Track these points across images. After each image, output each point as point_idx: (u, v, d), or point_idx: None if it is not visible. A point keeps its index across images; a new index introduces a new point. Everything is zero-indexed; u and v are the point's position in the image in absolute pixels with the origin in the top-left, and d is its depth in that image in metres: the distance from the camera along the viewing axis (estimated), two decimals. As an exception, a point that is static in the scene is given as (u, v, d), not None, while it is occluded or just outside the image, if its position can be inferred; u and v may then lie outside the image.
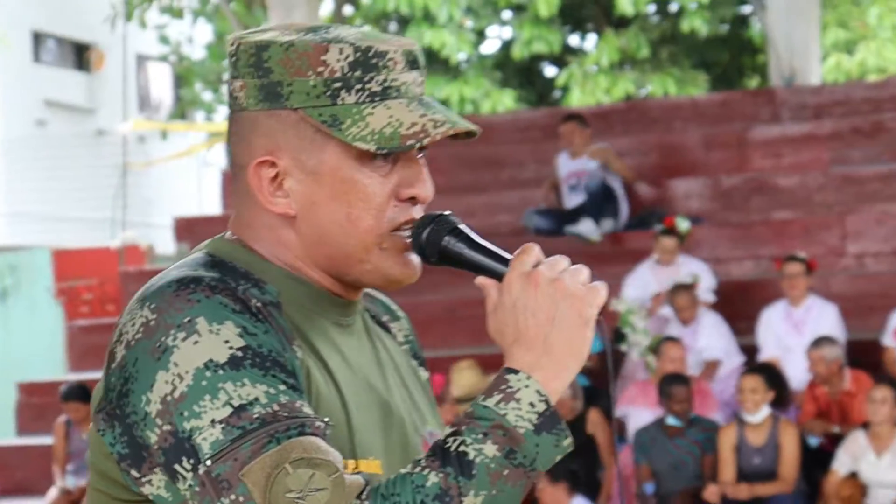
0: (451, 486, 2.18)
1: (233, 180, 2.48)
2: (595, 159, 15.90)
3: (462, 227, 2.41)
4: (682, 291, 13.92)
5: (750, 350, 13.85)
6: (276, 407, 2.20)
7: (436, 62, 28.14)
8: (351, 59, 2.36)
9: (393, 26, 29.17)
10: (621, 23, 28.72)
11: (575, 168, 16.05)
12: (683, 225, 15.12)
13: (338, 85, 2.35)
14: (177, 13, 26.82)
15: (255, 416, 2.19)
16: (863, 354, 13.24)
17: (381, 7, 26.33)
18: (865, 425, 12.11)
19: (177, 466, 2.21)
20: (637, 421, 12.72)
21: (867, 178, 16.34)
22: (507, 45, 29.04)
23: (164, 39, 27.89)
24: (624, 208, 16.15)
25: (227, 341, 2.22)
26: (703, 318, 13.96)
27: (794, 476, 12.19)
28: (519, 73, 29.95)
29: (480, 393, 2.27)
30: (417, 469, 2.20)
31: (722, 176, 16.97)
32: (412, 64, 2.41)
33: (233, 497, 2.16)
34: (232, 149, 2.46)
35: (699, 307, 13.96)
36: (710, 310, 14.14)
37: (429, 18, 26.57)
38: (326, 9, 26.41)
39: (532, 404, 2.24)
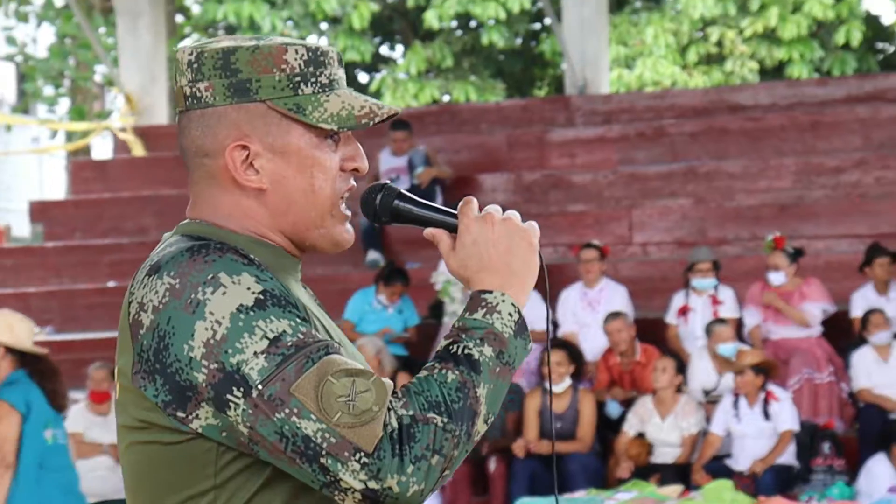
0: (467, 380, 2.41)
1: (190, 170, 2.64)
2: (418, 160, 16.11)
3: (405, 191, 2.63)
4: None
5: (552, 325, 14.01)
6: (301, 335, 2.40)
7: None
8: (305, 57, 2.58)
9: (221, 35, 28.97)
10: (427, 35, 28.74)
11: (395, 164, 16.24)
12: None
13: (298, 79, 2.57)
14: (22, 17, 26.64)
15: (290, 343, 2.38)
16: (649, 330, 13.45)
17: (211, 16, 26.21)
18: (653, 392, 12.47)
19: (228, 396, 2.38)
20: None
21: (650, 177, 16.59)
22: (323, 54, 28.99)
23: (11, 41, 27.56)
24: (439, 200, 16.36)
25: (248, 288, 2.41)
26: None
27: (591, 437, 12.44)
28: (336, 80, 29.91)
29: (465, 310, 2.51)
30: (436, 370, 2.42)
31: (524, 172, 17.13)
32: (341, 62, 2.65)
33: (287, 411, 2.35)
34: (190, 142, 2.61)
35: None
36: None
37: (254, 28, 26.48)
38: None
39: (510, 314, 2.50)
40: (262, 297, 2.41)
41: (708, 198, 16.16)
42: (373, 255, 15.79)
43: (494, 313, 2.49)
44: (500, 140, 17.76)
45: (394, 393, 2.40)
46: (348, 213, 2.65)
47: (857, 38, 26.79)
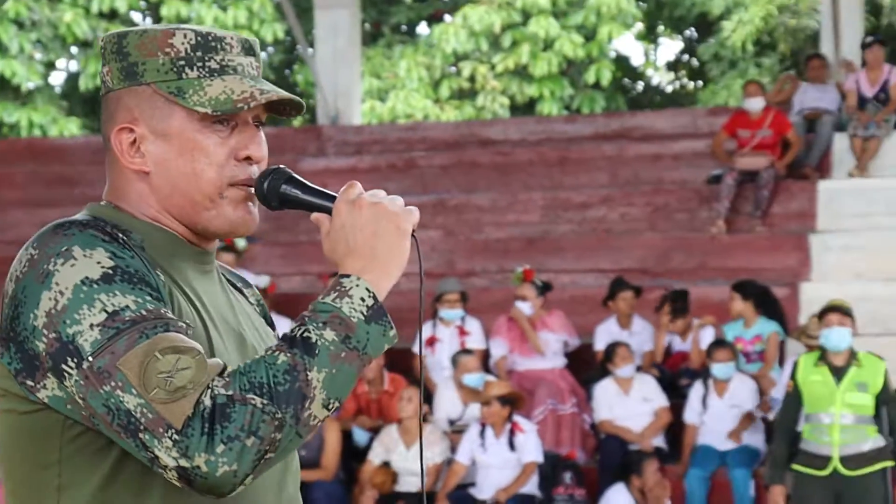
0: (298, 363, 2.33)
1: (105, 154, 2.64)
2: None
3: (295, 176, 2.58)
4: None
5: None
6: (144, 312, 2.35)
7: (7, 89, 27.64)
8: (193, 42, 2.55)
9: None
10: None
11: None
12: (241, 243, 15.22)
13: (182, 63, 2.54)
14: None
15: (127, 318, 2.34)
16: (398, 360, 13.40)
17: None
18: (399, 421, 12.45)
19: (63, 366, 2.35)
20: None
21: (401, 208, 16.67)
22: (74, 77, 28.65)
23: None
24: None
25: (98, 262, 2.38)
26: None
27: (335, 465, 12.40)
28: (85, 102, 29.58)
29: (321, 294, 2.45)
30: (269, 352, 2.36)
31: (274, 201, 17.11)
32: (248, 51, 2.60)
33: (112, 384, 2.31)
34: (101, 125, 2.63)
35: None
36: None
37: (1, 48, 26.11)
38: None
39: (363, 299, 2.41)
40: (110, 272, 2.38)
41: (457, 230, 16.25)
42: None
43: (345, 297, 2.41)
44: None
45: (221, 373, 2.34)
46: (249, 193, 2.58)
47: (606, 77, 27.30)
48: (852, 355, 10.34)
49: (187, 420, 2.29)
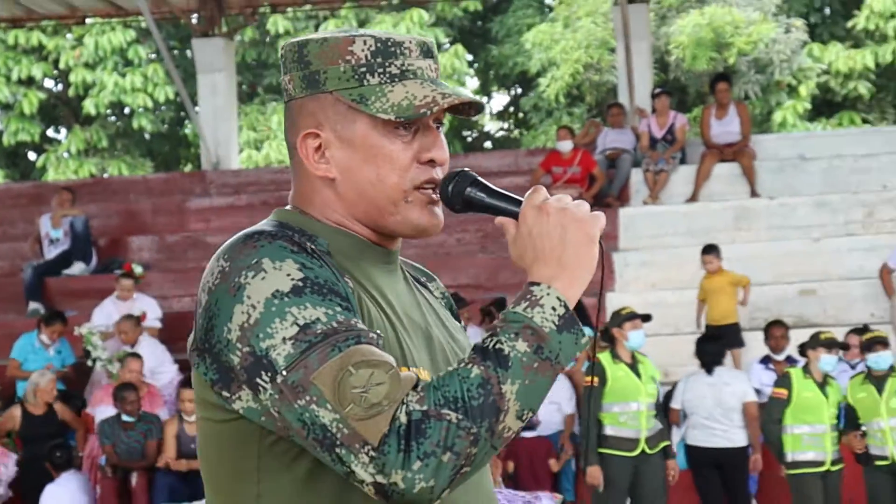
0: (492, 376, 2.05)
1: (291, 160, 2.35)
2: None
3: (480, 179, 2.29)
4: (126, 321, 13.67)
5: (187, 364, 13.90)
6: (335, 324, 2.08)
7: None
8: (373, 48, 2.27)
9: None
10: (86, 120, 28.36)
11: (49, 229, 16.06)
12: (138, 270, 15.09)
13: (363, 69, 2.26)
14: None
15: (319, 331, 2.07)
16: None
17: None
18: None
19: (258, 380, 2.09)
20: (102, 415, 12.56)
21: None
22: (-2, 134, 28.28)
23: None
24: (93, 256, 16.15)
25: (288, 275, 2.11)
26: (143, 340, 13.74)
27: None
28: (6, 156, 29.18)
29: (512, 303, 2.15)
30: (462, 365, 2.07)
31: (166, 235, 16.99)
32: (426, 53, 2.31)
33: (307, 398, 2.05)
34: (285, 133, 2.34)
35: (141, 332, 13.69)
36: (149, 335, 13.94)
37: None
38: None
39: (554, 308, 2.11)
40: (300, 283, 2.10)
41: (321, 255, 16.24)
42: (34, 306, 15.40)
43: (536, 307, 2.10)
44: (146, 207, 17.60)
45: (415, 387, 2.07)
46: (433, 197, 2.29)
47: (445, 125, 27.28)
48: (634, 354, 10.41)
49: (383, 437, 2.01)
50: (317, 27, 27.75)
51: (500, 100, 31.57)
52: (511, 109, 31.31)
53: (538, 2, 28.47)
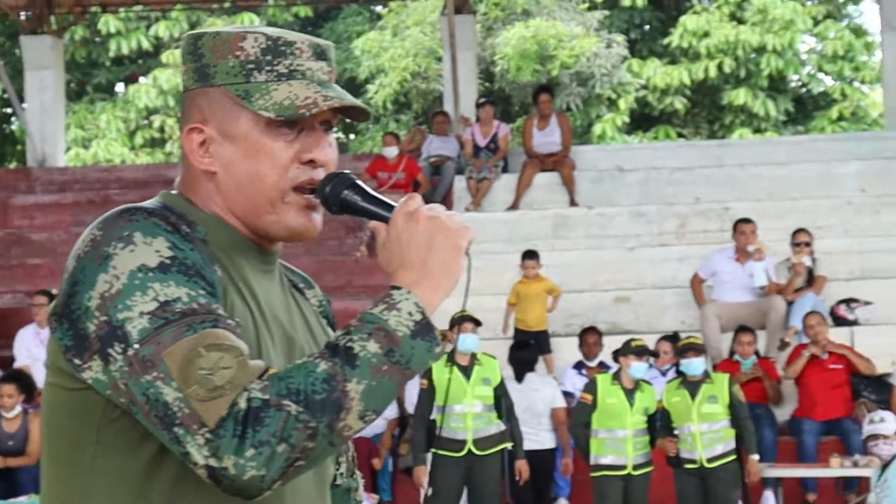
0: (338, 373, 1.99)
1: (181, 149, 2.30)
2: None
3: (358, 182, 2.23)
4: None
5: (8, 360, 13.60)
6: (195, 305, 2.02)
7: None
8: (263, 46, 2.23)
9: None
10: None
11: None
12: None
13: (251, 66, 2.22)
14: None
15: (177, 310, 2.01)
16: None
17: None
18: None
19: (110, 350, 2.02)
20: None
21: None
22: None
23: None
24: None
25: (157, 251, 2.05)
26: None
27: (38, 453, 12.06)
28: None
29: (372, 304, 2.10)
30: (310, 359, 2.02)
31: (-13, 232, 16.67)
32: (319, 55, 2.27)
33: (155, 374, 1.99)
34: (179, 123, 2.29)
35: None
36: None
37: None
38: None
39: (410, 313, 2.06)
40: (168, 261, 2.04)
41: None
42: None
43: (393, 310, 2.05)
44: (-34, 205, 17.16)
45: (261, 375, 2.00)
46: (315, 201, 2.23)
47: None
48: (473, 356, 10.40)
49: (221, 420, 1.97)
50: (148, 28, 27.35)
51: (329, 105, 31.51)
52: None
53: (368, 10, 28.42)
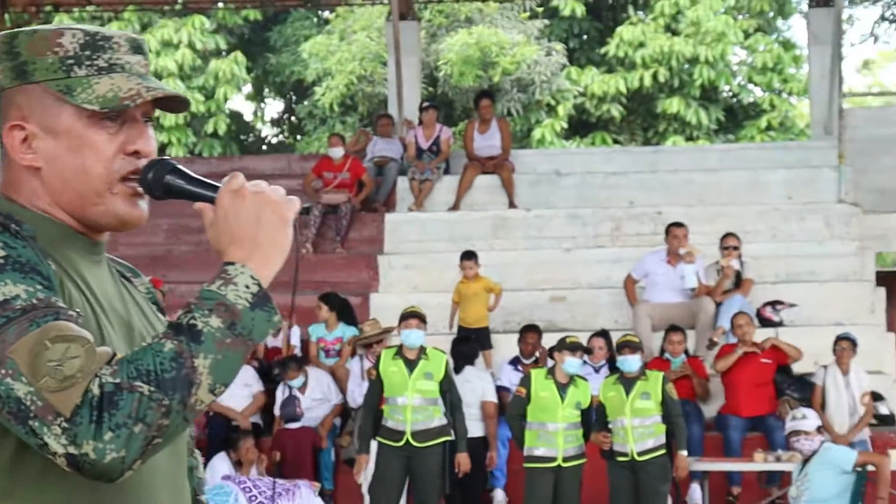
0: (185, 350, 1.98)
1: (1, 149, 2.26)
2: None
3: (180, 167, 2.21)
4: None
5: None
6: (35, 301, 1.99)
7: None
8: (82, 41, 2.20)
9: None
10: None
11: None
12: None
13: (71, 61, 2.19)
14: None
15: (18, 307, 1.98)
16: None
17: None
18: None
19: None
20: None
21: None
22: None
23: None
24: None
25: None
26: None
27: None
28: None
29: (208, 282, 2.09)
30: (156, 340, 2.01)
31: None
32: (136, 49, 2.26)
33: (3, 371, 1.96)
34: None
35: None
36: None
37: None
38: None
39: (247, 286, 2.06)
40: (2, 261, 2.01)
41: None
42: None
43: (230, 285, 2.05)
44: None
45: (109, 361, 1.99)
46: (137, 189, 2.22)
47: (222, 128, 27.16)
48: (422, 350, 10.42)
49: (76, 408, 1.93)
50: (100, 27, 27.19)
51: (275, 106, 31.43)
52: (286, 116, 31.16)
53: (316, 15, 28.39)
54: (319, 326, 13.26)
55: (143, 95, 2.19)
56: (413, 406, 10.26)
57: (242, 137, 30.22)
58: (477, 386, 11.89)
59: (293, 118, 30.23)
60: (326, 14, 28.35)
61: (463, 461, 10.54)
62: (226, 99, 27.42)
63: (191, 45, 26.88)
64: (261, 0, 19.32)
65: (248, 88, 29.71)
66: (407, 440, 10.26)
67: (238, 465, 11.41)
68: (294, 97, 30.17)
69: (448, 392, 10.37)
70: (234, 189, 2.14)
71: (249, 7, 22.44)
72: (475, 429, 11.64)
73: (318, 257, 15.37)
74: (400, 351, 10.40)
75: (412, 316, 10.45)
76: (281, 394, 12.53)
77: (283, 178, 16.88)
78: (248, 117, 31.07)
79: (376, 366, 10.53)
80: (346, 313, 13.35)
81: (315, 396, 12.45)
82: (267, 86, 29.79)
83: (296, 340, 13.30)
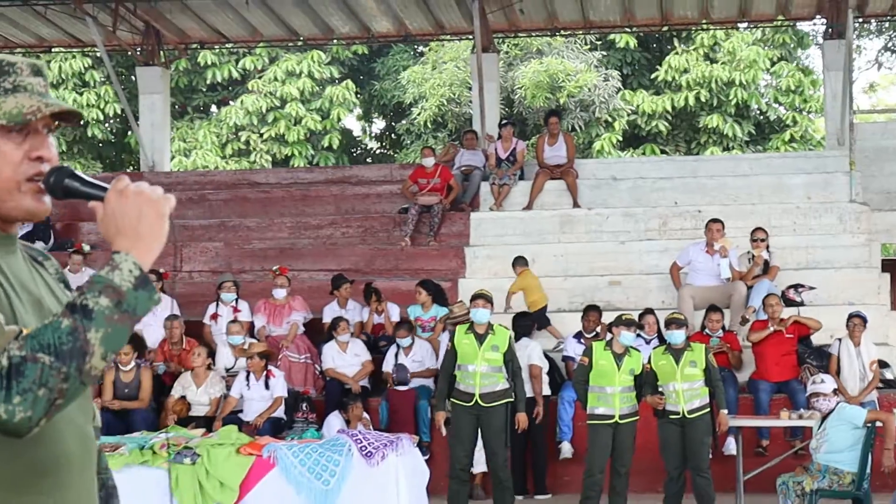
0: (79, 326, 2.00)
1: None
2: None
3: (77, 172, 2.23)
4: None
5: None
6: None
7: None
8: None
9: None
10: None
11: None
12: (86, 248, 14.85)
13: None
14: None
15: None
16: (192, 328, 13.24)
17: None
18: (192, 369, 12.23)
19: None
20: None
21: (196, 227, 16.39)
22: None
23: None
24: (52, 237, 15.78)
25: None
26: None
27: (148, 398, 12.14)
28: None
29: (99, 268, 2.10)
30: (54, 318, 2.03)
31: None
32: (36, 73, 2.27)
33: None
34: None
35: None
36: None
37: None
38: None
39: (131, 271, 2.08)
40: None
41: (233, 242, 16.05)
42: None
43: (116, 270, 2.07)
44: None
45: (17, 337, 2.01)
46: (41, 187, 2.22)
47: (336, 143, 27.28)
48: (490, 327, 10.42)
49: None
50: (237, 61, 27.43)
51: (379, 124, 31.48)
52: (388, 132, 31.24)
53: (412, 48, 28.44)
54: (417, 307, 13.29)
55: (42, 111, 2.21)
56: (482, 373, 10.22)
57: (352, 150, 30.33)
58: (524, 353, 11.91)
59: (394, 134, 30.29)
60: (421, 48, 28.38)
61: (521, 419, 10.47)
62: (339, 119, 27.54)
63: (310, 75, 27.03)
64: (367, 37, 19.36)
65: (357, 110, 29.81)
66: (476, 401, 10.21)
67: (347, 422, 11.48)
68: (394, 116, 30.24)
69: (510, 362, 10.33)
70: (120, 189, 2.15)
71: (358, 43, 22.50)
72: (529, 390, 11.67)
73: (415, 249, 15.41)
74: (471, 326, 10.36)
75: (480, 297, 10.42)
76: (392, 356, 12.54)
77: (386, 184, 16.95)
78: (356, 133, 31.17)
79: (451, 338, 10.50)
80: (440, 296, 13.37)
81: (416, 359, 12.50)
82: (373, 107, 29.88)
83: (395, 317, 13.32)
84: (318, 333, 13.36)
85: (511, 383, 10.33)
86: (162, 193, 2.18)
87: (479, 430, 10.31)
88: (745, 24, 20.57)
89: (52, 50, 20.69)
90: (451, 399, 10.36)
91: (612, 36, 26.01)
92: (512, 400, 10.35)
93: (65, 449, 2.19)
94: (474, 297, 10.47)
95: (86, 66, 26.43)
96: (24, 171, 2.23)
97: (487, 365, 10.24)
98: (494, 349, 10.28)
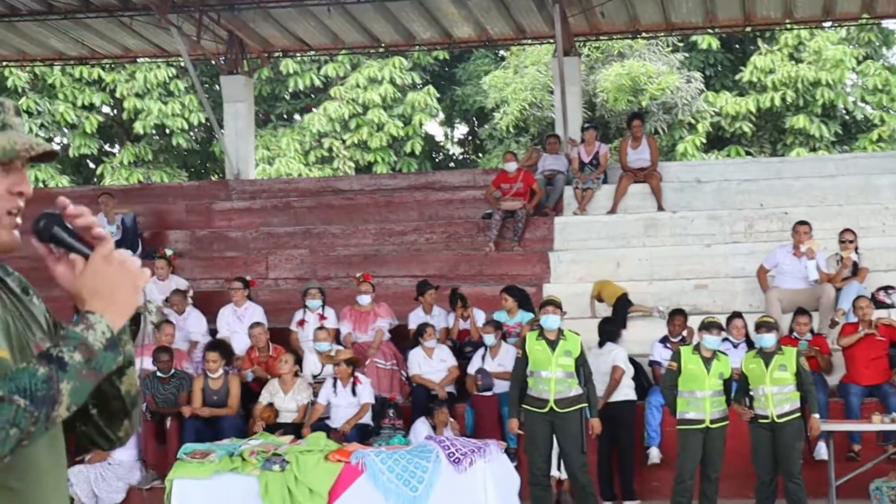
0: (54, 376, 2.10)
1: None
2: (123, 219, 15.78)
3: (64, 222, 2.29)
4: (176, 294, 13.80)
5: (213, 333, 13.87)
6: None
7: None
8: None
9: None
10: (136, 138, 28.19)
11: (101, 223, 15.83)
12: (168, 252, 15.05)
13: None
14: None
15: None
16: (278, 335, 13.40)
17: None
18: (279, 376, 12.35)
19: None
20: (140, 365, 12.44)
21: (280, 235, 16.52)
22: (65, 149, 27.91)
23: None
24: (140, 246, 16.02)
25: None
26: (191, 312, 13.78)
27: (237, 405, 12.26)
28: (72, 165, 28.87)
29: (72, 323, 2.20)
30: (32, 364, 2.11)
31: (197, 230, 16.86)
32: (17, 113, 2.34)
33: None
34: None
35: (188, 303, 13.83)
36: (194, 307, 13.98)
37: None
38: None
39: (103, 332, 2.18)
40: None
41: (318, 249, 16.16)
42: None
43: (90, 330, 2.17)
44: (181, 208, 17.45)
45: None
46: (17, 222, 2.29)
47: (418, 148, 27.37)
48: (560, 332, 10.35)
49: None
50: (319, 69, 27.65)
51: (461, 129, 31.53)
52: (470, 137, 31.27)
53: (494, 53, 28.45)
54: (503, 313, 13.26)
55: (35, 148, 2.28)
56: (556, 378, 10.17)
57: (434, 156, 30.42)
58: (608, 358, 11.87)
59: (476, 139, 30.32)
60: (502, 52, 28.38)
61: (595, 425, 10.38)
62: (421, 124, 27.62)
63: (392, 81, 27.15)
64: (448, 42, 19.40)
65: (439, 116, 29.87)
66: (551, 407, 10.17)
67: (434, 428, 11.49)
68: (477, 121, 30.27)
69: (582, 367, 10.28)
70: (105, 255, 2.24)
71: (439, 49, 22.54)
72: (619, 394, 11.57)
73: (499, 254, 15.39)
74: (542, 332, 10.31)
75: (549, 304, 10.39)
76: (479, 358, 12.53)
77: (469, 189, 16.96)
78: (439, 139, 31.25)
79: (522, 345, 10.44)
80: (525, 302, 13.34)
81: (501, 362, 12.47)
82: (454, 113, 29.93)
83: (481, 323, 13.31)
84: (403, 340, 13.40)
85: (584, 388, 10.28)
86: (139, 266, 2.27)
87: (555, 436, 10.27)
88: (830, 23, 20.26)
89: (138, 60, 21.05)
90: (524, 405, 10.31)
91: (693, 37, 25.77)
92: (585, 405, 10.30)
93: (33, 449, 2.24)
94: (544, 304, 10.47)
95: (170, 75, 26.82)
96: (3, 206, 2.28)
97: (562, 370, 10.21)
98: (567, 354, 10.24)
